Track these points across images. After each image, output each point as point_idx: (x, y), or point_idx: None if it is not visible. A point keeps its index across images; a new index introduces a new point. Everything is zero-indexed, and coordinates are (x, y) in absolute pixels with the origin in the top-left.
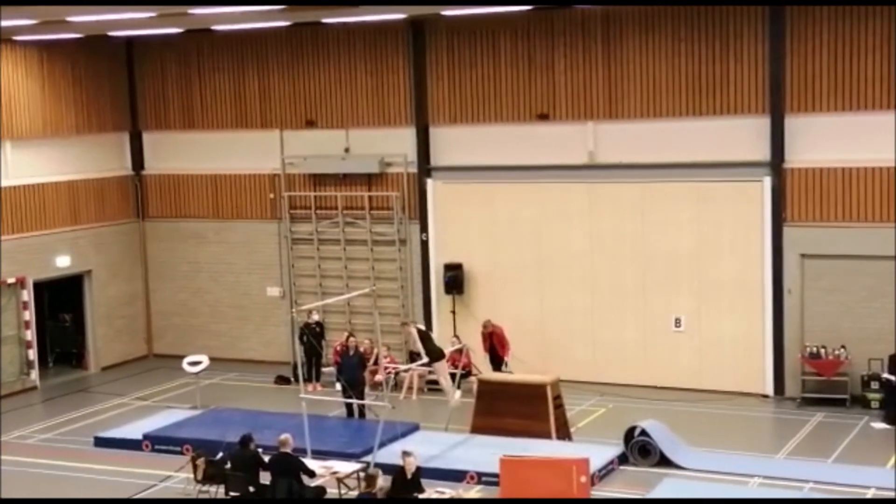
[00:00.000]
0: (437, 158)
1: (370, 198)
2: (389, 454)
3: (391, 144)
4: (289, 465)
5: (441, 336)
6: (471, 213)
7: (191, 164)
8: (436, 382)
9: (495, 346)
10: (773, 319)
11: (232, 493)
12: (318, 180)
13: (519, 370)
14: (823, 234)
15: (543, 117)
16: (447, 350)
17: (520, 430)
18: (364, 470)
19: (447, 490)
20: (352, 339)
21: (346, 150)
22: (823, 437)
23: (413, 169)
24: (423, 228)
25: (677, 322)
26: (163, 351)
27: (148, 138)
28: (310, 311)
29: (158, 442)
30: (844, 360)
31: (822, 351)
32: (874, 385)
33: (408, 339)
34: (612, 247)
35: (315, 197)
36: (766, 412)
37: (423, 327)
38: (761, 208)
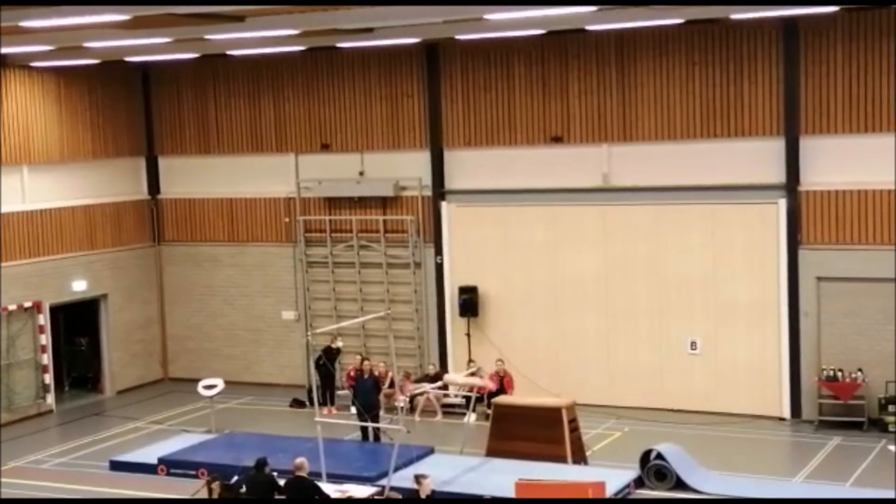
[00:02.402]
0: (451, 182)
1: (385, 221)
2: (405, 478)
3: (406, 168)
4: (304, 489)
5: (456, 359)
6: (485, 235)
7: (206, 188)
8: (452, 406)
9: (505, 388)
10: (790, 342)
11: None
12: (333, 204)
13: (534, 394)
14: (839, 256)
15: (557, 140)
16: (463, 373)
17: (535, 453)
18: (380, 494)
19: None
20: (366, 362)
21: (361, 173)
22: (841, 460)
23: (428, 192)
24: (438, 251)
25: (693, 345)
26: (178, 374)
27: (164, 163)
28: (334, 337)
29: (174, 466)
30: (861, 383)
31: (839, 374)
32: (891, 408)
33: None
34: (626, 269)
35: (330, 220)
36: (783, 435)
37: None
38: (776, 231)
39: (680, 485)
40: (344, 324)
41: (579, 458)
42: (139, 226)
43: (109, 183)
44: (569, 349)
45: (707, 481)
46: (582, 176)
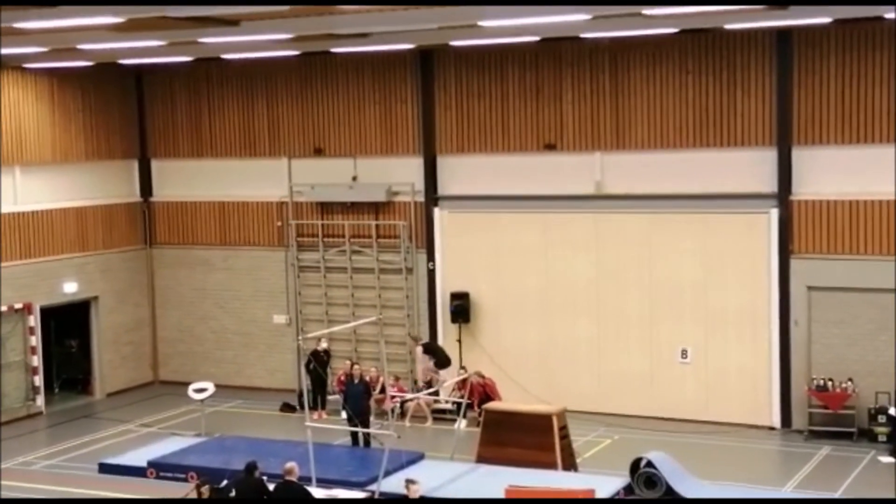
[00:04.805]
0: (444, 188)
1: (377, 226)
2: (395, 483)
3: (399, 173)
4: (293, 494)
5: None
6: (477, 242)
7: (199, 191)
8: (443, 411)
9: (490, 396)
10: (780, 351)
11: None
12: (326, 208)
13: (524, 401)
14: (830, 266)
15: (550, 147)
16: (453, 379)
17: (525, 460)
18: (370, 499)
19: None
20: (356, 367)
21: (354, 178)
22: (830, 470)
23: (420, 198)
24: (430, 257)
25: (683, 353)
26: (168, 377)
27: (156, 165)
28: (319, 339)
29: (163, 469)
30: (851, 393)
31: (829, 383)
32: (881, 419)
33: (412, 352)
34: (618, 277)
35: (322, 225)
36: (773, 445)
37: (426, 341)
38: (768, 240)
39: (670, 493)
40: (335, 328)
41: (569, 465)
42: (131, 228)
43: (102, 185)
44: (560, 356)
45: (697, 490)
46: (575, 183)
